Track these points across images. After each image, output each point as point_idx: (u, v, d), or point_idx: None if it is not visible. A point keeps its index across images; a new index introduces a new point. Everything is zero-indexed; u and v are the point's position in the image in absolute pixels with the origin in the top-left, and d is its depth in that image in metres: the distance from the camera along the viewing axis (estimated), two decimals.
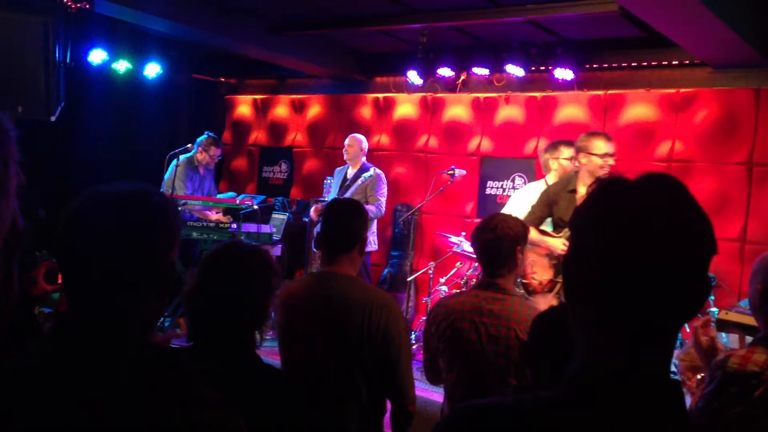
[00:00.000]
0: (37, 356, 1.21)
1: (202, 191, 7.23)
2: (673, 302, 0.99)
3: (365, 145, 7.12)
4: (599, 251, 1.00)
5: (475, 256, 3.14)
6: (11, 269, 0.94)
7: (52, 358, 1.21)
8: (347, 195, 6.51)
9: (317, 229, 6.82)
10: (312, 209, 7.06)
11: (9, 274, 0.93)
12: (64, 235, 1.23)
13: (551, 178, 5.54)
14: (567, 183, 4.82)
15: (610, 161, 4.62)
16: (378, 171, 6.97)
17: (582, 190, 4.67)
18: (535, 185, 5.80)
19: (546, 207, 4.80)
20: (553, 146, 5.60)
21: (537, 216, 4.81)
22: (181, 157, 6.97)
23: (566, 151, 5.39)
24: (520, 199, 5.66)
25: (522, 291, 4.82)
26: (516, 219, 3.06)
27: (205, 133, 7.26)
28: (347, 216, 2.85)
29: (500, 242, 2.89)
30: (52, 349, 1.22)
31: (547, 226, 4.88)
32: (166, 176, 6.93)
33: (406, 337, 2.77)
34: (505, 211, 5.24)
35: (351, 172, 7.05)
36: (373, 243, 6.86)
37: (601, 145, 4.62)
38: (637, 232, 0.98)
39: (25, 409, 1.16)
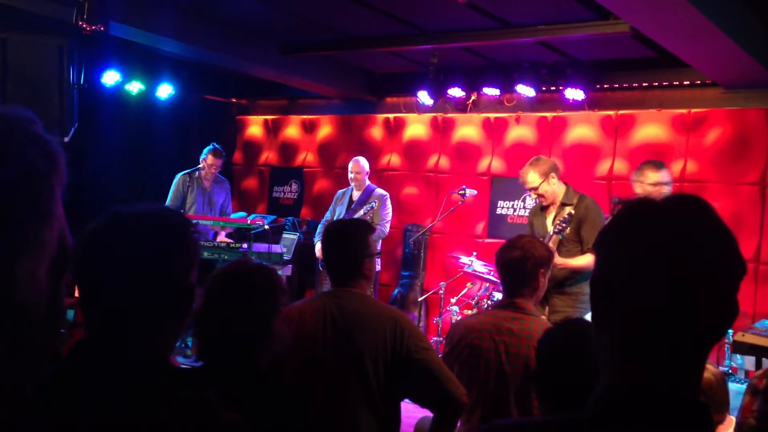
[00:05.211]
0: (54, 376, 1.21)
1: (210, 207, 7.12)
2: (702, 323, 0.98)
3: (368, 167, 7.16)
4: (626, 272, 1.00)
5: (496, 275, 3.13)
6: (59, 288, 0.96)
7: (69, 378, 1.21)
8: (356, 217, 6.51)
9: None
10: (317, 246, 6.98)
11: (57, 293, 0.95)
12: (83, 256, 1.24)
13: None
14: None
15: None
16: (384, 192, 7.00)
17: None
18: None
19: None
20: (639, 169, 4.73)
21: None
22: (180, 173, 7.09)
23: (652, 176, 4.57)
24: None
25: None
26: (542, 242, 3.09)
27: (211, 144, 7.17)
28: (345, 241, 2.84)
29: (525, 261, 2.90)
30: (70, 369, 1.22)
31: None
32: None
33: (429, 343, 2.75)
34: None
35: (356, 194, 7.06)
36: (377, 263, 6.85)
37: None
38: (665, 253, 0.97)
39: (42, 429, 1.16)
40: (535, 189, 4.69)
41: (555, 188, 4.68)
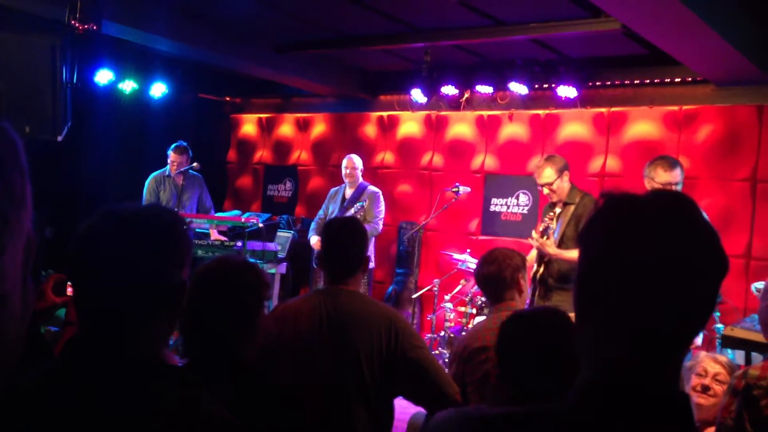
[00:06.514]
0: (48, 374, 1.22)
1: (181, 203, 7.09)
2: (683, 316, 1.00)
3: (362, 164, 7.21)
4: (610, 265, 1.01)
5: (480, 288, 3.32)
6: (27, 279, 0.93)
7: (62, 376, 1.22)
8: (348, 215, 6.51)
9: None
10: (313, 240, 6.98)
11: (26, 284, 0.92)
12: (76, 254, 1.25)
13: None
14: None
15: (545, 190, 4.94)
16: (376, 189, 7.02)
17: None
18: None
19: None
20: (652, 164, 4.58)
21: None
22: (151, 174, 7.20)
23: (662, 175, 4.44)
24: None
25: None
26: (512, 251, 3.22)
27: (178, 141, 7.21)
28: (347, 237, 2.86)
29: (503, 272, 3.05)
30: (63, 367, 1.23)
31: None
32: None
33: (423, 342, 2.78)
34: None
35: (349, 191, 7.08)
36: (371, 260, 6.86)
37: None
38: (650, 252, 0.98)
39: (35, 427, 1.17)
40: (550, 184, 4.85)
41: (565, 186, 4.88)
